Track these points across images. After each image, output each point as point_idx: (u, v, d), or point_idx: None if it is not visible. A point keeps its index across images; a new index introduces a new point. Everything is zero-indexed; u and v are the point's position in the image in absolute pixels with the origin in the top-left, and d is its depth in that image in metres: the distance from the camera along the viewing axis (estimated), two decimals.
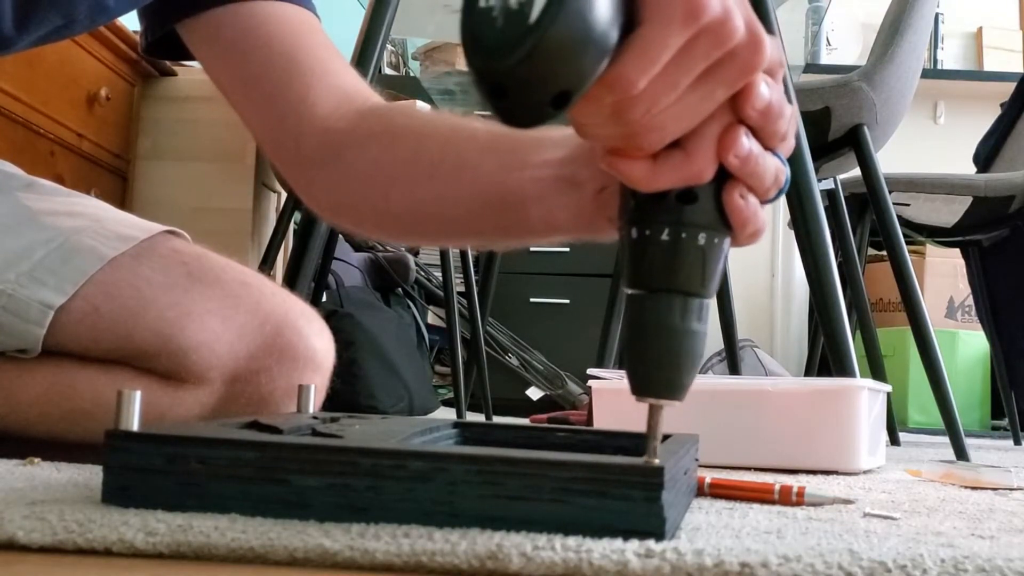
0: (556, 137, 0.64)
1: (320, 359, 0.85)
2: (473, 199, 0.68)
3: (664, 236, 0.45)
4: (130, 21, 1.70)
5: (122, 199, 2.71)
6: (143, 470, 0.47)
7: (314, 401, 0.71)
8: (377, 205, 0.75)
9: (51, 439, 0.81)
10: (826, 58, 3.88)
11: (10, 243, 0.81)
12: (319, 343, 0.86)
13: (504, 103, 0.38)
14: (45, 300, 0.78)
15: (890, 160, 1.71)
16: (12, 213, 0.84)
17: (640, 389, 0.47)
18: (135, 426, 0.48)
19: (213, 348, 0.81)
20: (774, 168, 0.46)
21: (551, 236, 0.65)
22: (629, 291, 0.47)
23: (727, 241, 0.47)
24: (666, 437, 0.60)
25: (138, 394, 0.49)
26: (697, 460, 0.65)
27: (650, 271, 0.46)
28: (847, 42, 3.95)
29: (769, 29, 1.15)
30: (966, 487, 0.81)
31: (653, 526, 0.43)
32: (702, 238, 0.45)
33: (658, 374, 0.46)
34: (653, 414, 0.47)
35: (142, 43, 0.91)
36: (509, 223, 0.67)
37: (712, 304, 0.48)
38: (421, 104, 2.34)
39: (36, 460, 0.69)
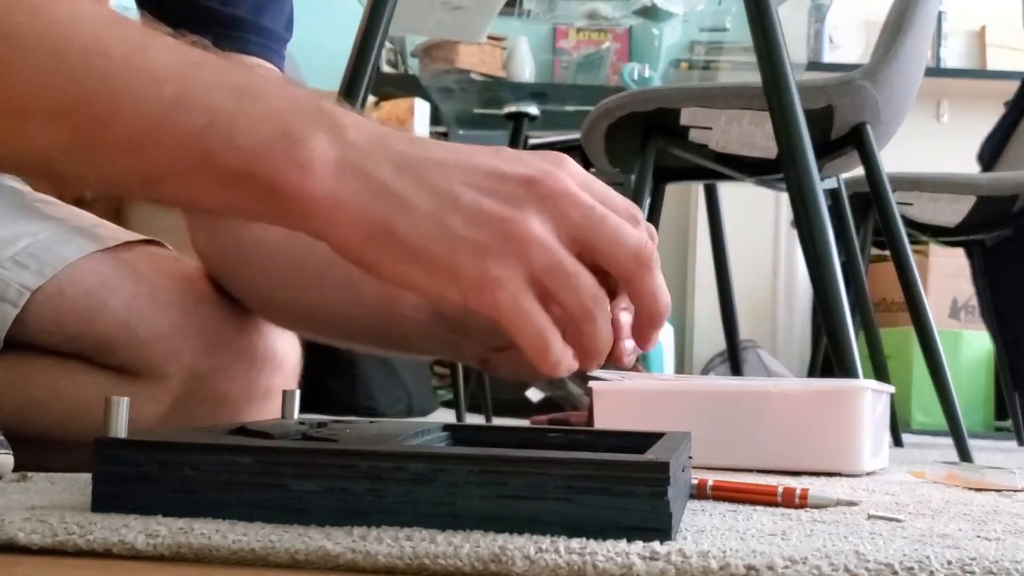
0: None
1: (281, 358, 0.85)
2: (360, 321, 0.71)
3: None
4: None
5: (120, 198, 2.70)
6: (134, 478, 0.47)
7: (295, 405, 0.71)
8: (263, 294, 0.76)
9: (6, 433, 0.82)
10: (829, 56, 3.87)
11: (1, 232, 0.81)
12: (280, 343, 0.85)
13: None
14: (24, 282, 0.78)
15: (893, 159, 1.71)
16: (6, 208, 0.84)
17: None
18: (123, 433, 0.48)
19: (173, 339, 0.80)
20: None
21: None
22: None
23: None
24: (660, 435, 0.60)
25: (126, 400, 0.48)
26: (691, 457, 0.65)
27: None
28: (850, 40, 3.95)
29: (771, 27, 1.15)
30: (970, 489, 0.80)
31: (659, 523, 0.43)
32: None
33: None
34: None
35: None
36: (399, 349, 0.70)
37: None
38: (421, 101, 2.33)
39: (29, 475, 0.69)
